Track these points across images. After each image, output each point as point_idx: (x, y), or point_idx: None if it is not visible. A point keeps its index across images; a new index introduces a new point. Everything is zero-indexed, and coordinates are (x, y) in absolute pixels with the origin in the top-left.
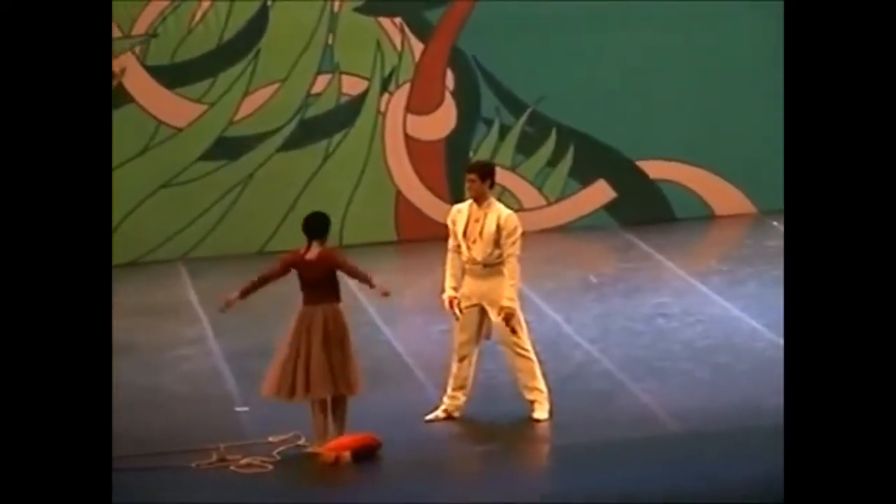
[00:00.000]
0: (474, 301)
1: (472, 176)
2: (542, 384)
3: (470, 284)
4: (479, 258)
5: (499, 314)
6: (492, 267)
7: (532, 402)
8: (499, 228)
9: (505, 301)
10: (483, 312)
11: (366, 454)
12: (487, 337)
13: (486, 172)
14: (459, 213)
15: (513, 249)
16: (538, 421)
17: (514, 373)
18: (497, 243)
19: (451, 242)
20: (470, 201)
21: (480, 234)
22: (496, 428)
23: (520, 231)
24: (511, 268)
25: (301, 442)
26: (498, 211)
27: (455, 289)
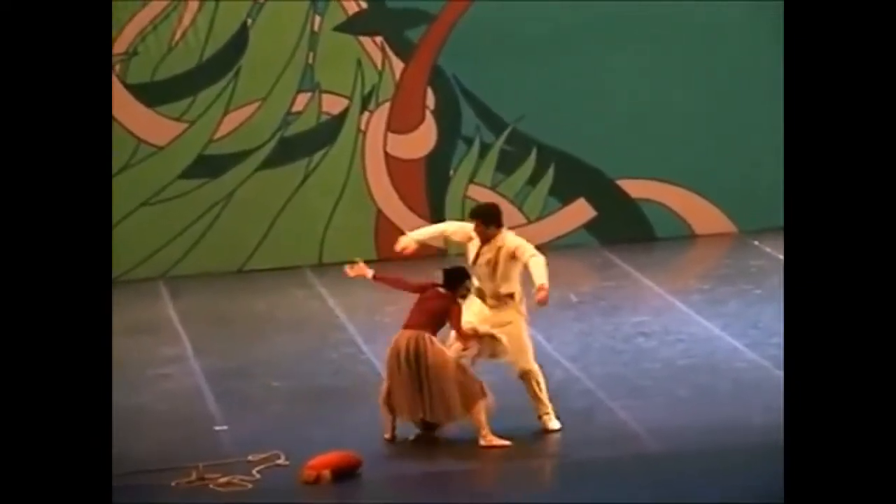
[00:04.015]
0: (485, 326)
1: (476, 222)
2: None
3: (482, 311)
4: (488, 292)
5: (537, 295)
6: (501, 300)
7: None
8: (507, 255)
9: (538, 280)
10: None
11: (346, 473)
12: (493, 356)
13: (489, 219)
14: (472, 243)
15: (530, 254)
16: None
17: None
18: (507, 275)
19: (449, 227)
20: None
21: (493, 269)
22: (477, 447)
23: (524, 242)
24: (536, 262)
25: (280, 461)
26: (504, 243)
27: (414, 241)
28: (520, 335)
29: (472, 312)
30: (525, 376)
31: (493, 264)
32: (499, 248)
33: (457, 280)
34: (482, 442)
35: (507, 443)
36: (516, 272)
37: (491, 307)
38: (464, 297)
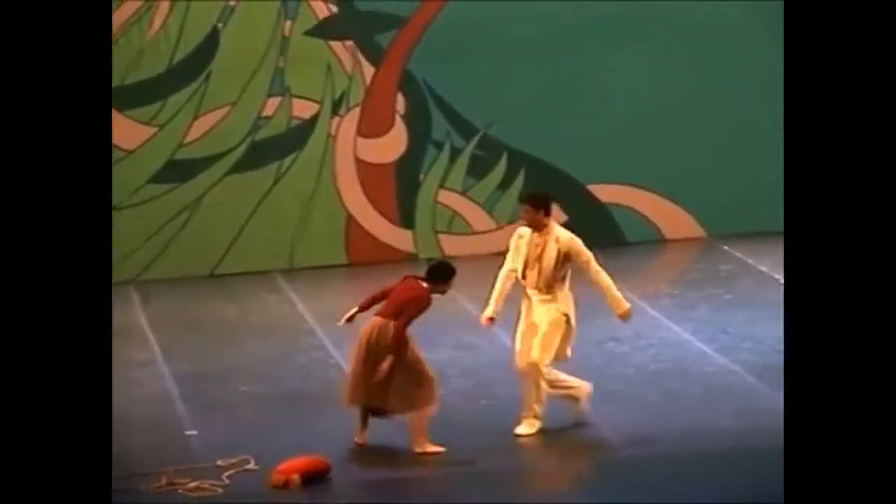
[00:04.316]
0: (533, 321)
1: (526, 206)
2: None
3: (529, 308)
4: (533, 285)
5: (621, 315)
6: (549, 293)
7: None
8: (559, 253)
9: (624, 304)
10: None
11: (315, 477)
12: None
13: (538, 202)
14: (521, 239)
15: (593, 267)
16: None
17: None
18: (556, 269)
19: (507, 265)
20: (524, 230)
21: (539, 260)
22: (449, 452)
23: (580, 243)
24: (602, 277)
25: (250, 465)
26: (556, 234)
27: (495, 312)
28: (552, 333)
29: (524, 329)
30: (529, 369)
31: (540, 253)
32: (548, 240)
33: (439, 275)
34: (417, 448)
35: (441, 449)
36: (566, 270)
37: (542, 301)
38: (442, 292)
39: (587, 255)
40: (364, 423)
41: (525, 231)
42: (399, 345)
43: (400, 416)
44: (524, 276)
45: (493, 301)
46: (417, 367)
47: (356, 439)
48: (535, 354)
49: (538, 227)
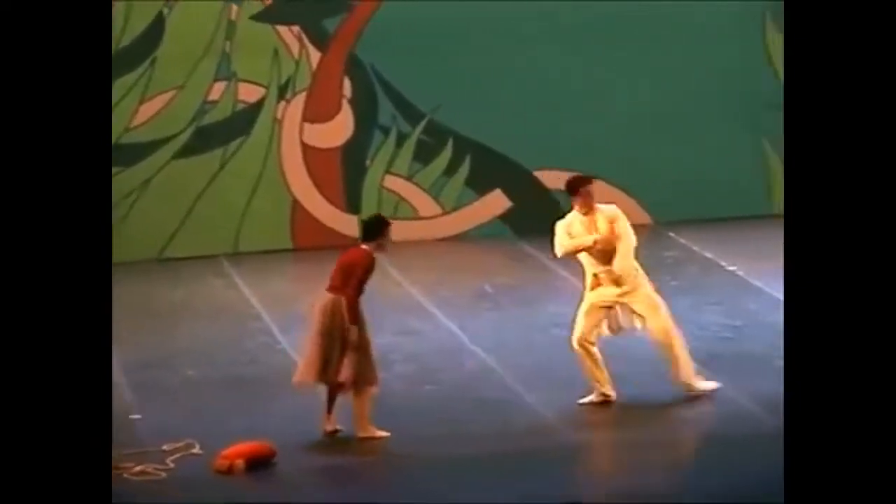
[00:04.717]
0: (606, 302)
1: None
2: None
3: (600, 290)
4: (603, 264)
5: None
6: (615, 273)
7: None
8: (609, 224)
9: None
10: (609, 309)
11: (260, 462)
12: (615, 331)
13: (567, 187)
14: (573, 225)
15: (626, 230)
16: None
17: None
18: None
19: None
20: (574, 214)
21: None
22: (393, 437)
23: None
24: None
25: (195, 450)
26: (602, 211)
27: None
28: (647, 295)
29: (588, 304)
30: (663, 335)
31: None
32: (596, 220)
33: (373, 230)
34: (360, 433)
35: (385, 434)
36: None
37: (610, 282)
38: (382, 248)
39: (625, 225)
40: (330, 408)
41: (570, 219)
42: (355, 314)
43: (347, 390)
44: (592, 255)
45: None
46: (366, 344)
47: (326, 427)
48: (658, 324)
49: (590, 210)
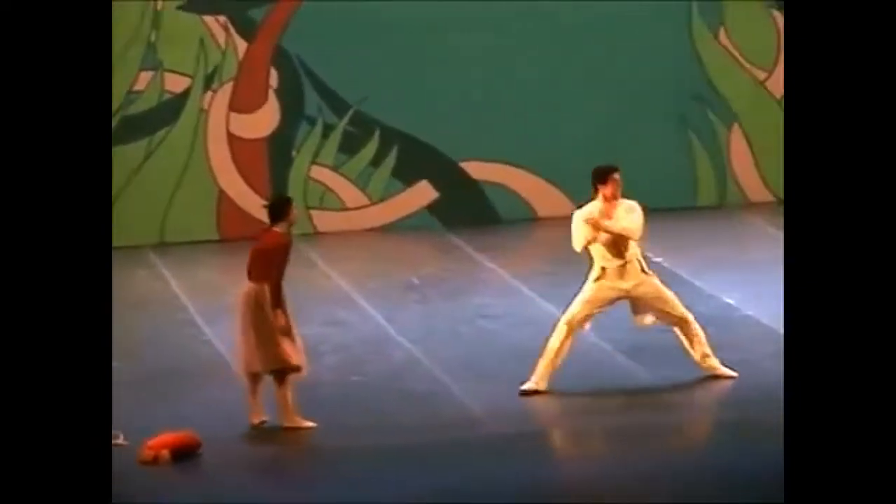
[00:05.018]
0: (617, 294)
1: (617, 174)
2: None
3: (603, 282)
4: (625, 251)
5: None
6: (623, 265)
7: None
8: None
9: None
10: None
11: (185, 453)
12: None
13: (596, 175)
14: (591, 215)
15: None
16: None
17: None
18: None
19: (583, 243)
20: (593, 204)
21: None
22: (320, 428)
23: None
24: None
25: (119, 441)
26: (622, 203)
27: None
28: (656, 289)
29: (590, 293)
30: (680, 323)
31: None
32: (616, 210)
33: (278, 210)
34: (286, 423)
35: (311, 424)
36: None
37: (616, 277)
38: (291, 224)
39: (637, 212)
40: (255, 398)
41: (590, 208)
42: (280, 298)
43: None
44: (606, 246)
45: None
46: (290, 330)
47: (253, 420)
48: (674, 313)
49: (615, 198)
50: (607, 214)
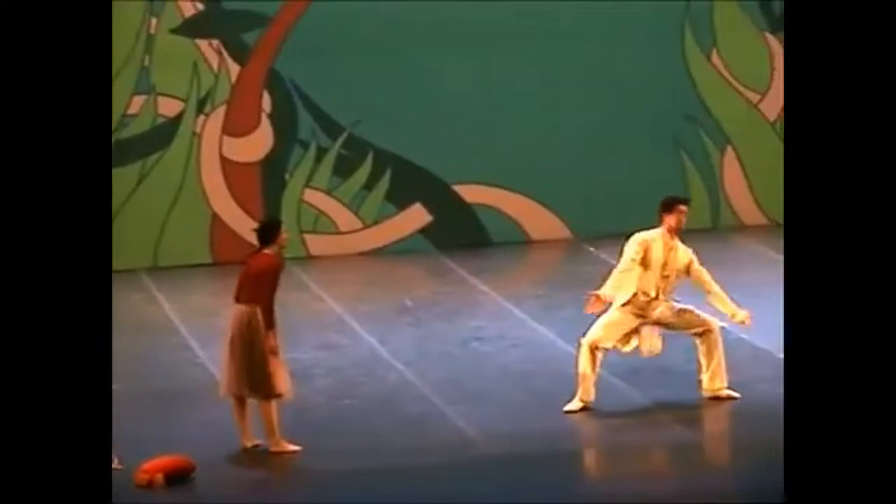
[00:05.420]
0: (640, 322)
1: (685, 207)
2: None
3: (639, 310)
4: (666, 289)
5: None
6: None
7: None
8: (686, 270)
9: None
10: (636, 331)
11: (180, 476)
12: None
13: (664, 204)
14: (655, 243)
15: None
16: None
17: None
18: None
19: (628, 264)
20: (658, 233)
21: (673, 266)
22: (311, 452)
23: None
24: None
25: (114, 465)
26: (680, 245)
27: (608, 297)
28: (672, 306)
29: (614, 317)
30: (705, 332)
31: (677, 262)
32: (677, 247)
33: (268, 233)
34: (272, 448)
35: (296, 448)
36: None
37: (645, 305)
38: (282, 247)
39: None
40: (243, 422)
41: (652, 235)
42: (272, 320)
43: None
44: (660, 280)
45: (611, 285)
46: (277, 351)
47: (245, 443)
48: (699, 324)
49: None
50: (669, 253)
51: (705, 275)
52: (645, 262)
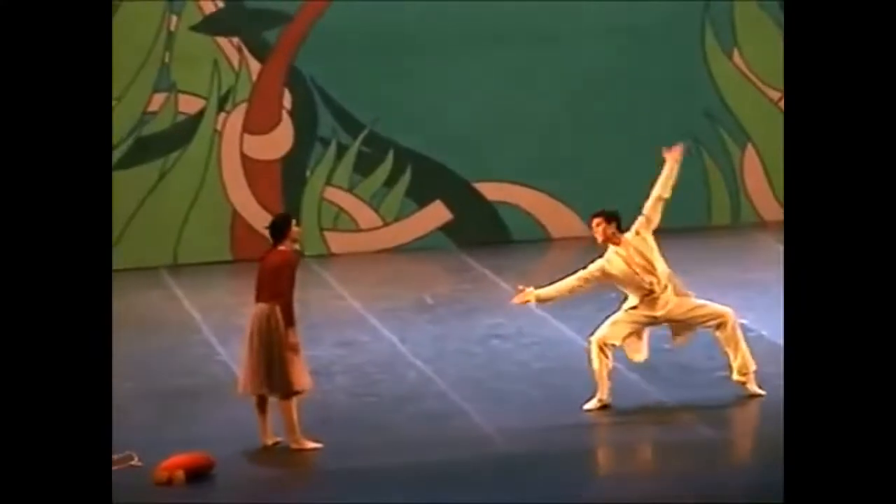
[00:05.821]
0: (649, 321)
1: (598, 220)
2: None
3: (647, 310)
4: (660, 281)
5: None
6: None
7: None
8: (642, 241)
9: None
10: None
11: (200, 474)
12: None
13: (609, 216)
14: (610, 261)
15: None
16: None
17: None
18: (654, 263)
19: (585, 275)
20: (614, 250)
21: (647, 260)
22: (331, 449)
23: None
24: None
25: (134, 461)
26: (632, 240)
27: (540, 297)
28: (683, 302)
29: (622, 317)
30: (720, 325)
31: (644, 259)
32: (633, 247)
33: (280, 229)
34: (292, 445)
35: (317, 445)
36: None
37: (651, 304)
38: (295, 241)
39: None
40: (264, 420)
41: (610, 257)
42: (292, 316)
43: (276, 397)
44: (657, 281)
45: (549, 288)
46: (299, 348)
47: (266, 441)
48: (714, 316)
49: (616, 242)
50: (629, 254)
51: (651, 202)
52: (615, 276)
